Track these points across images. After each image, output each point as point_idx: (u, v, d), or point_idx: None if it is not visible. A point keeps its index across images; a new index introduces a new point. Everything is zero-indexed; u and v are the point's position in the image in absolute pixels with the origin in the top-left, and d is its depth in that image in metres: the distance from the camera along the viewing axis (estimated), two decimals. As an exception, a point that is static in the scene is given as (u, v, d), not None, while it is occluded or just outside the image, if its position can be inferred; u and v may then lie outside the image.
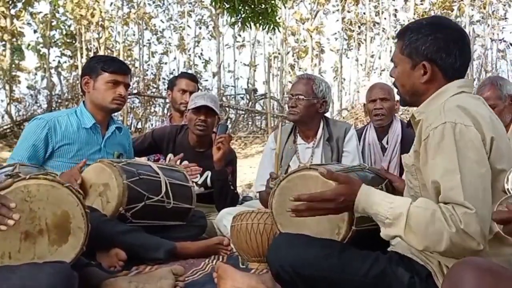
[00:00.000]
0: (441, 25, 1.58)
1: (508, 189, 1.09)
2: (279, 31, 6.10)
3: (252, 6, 5.23)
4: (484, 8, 11.97)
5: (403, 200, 1.46)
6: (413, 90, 1.59)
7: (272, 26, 5.49)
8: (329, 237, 1.67)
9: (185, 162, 2.94)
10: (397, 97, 3.30)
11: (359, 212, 1.49)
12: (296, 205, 1.50)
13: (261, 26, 5.56)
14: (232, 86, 12.98)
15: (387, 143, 3.23)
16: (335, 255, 1.55)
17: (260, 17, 5.35)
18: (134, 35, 12.72)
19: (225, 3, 5.32)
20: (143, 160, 3.16)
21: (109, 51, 11.76)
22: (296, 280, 1.55)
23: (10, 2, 10.61)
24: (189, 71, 11.52)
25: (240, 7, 5.21)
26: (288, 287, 1.62)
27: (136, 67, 12.13)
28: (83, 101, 2.76)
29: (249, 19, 5.35)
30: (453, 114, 1.41)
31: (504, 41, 12.07)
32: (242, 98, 12.26)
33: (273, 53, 12.60)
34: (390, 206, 1.41)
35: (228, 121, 10.80)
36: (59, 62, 11.81)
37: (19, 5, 10.85)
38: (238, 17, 5.43)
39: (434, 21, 1.63)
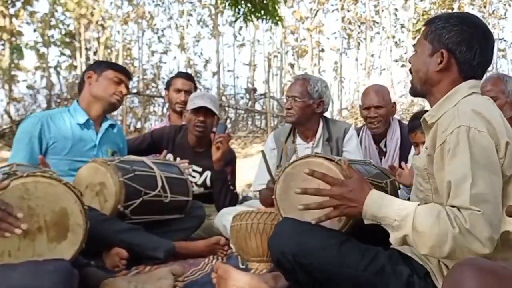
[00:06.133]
0: (470, 20, 1.57)
1: None
2: (282, 26, 6.10)
3: (253, 2, 5.22)
4: (484, 7, 11.96)
5: (410, 203, 1.46)
6: (426, 78, 1.58)
7: (274, 21, 5.49)
8: (329, 224, 1.66)
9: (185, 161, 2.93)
10: (394, 99, 3.28)
11: (367, 218, 1.49)
12: (305, 188, 1.56)
13: (263, 21, 5.57)
14: (231, 85, 12.95)
15: (385, 146, 3.20)
16: (336, 247, 1.55)
17: (262, 12, 5.35)
18: (133, 34, 12.68)
19: (225, -1, 5.33)
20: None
21: (108, 50, 11.73)
22: (296, 268, 1.56)
23: (9, 1, 10.58)
24: (189, 71, 11.49)
25: (241, 2, 5.21)
26: (288, 274, 1.63)
27: (135, 67, 12.09)
28: (77, 100, 2.80)
29: (251, 14, 5.35)
30: (467, 118, 1.40)
31: (505, 40, 12.07)
32: (242, 98, 12.23)
33: (272, 52, 12.56)
34: (398, 207, 1.42)
35: (228, 121, 10.78)
36: (58, 61, 11.78)
37: (18, 4, 10.82)
38: (239, 12, 5.43)
39: (465, 15, 1.62)
